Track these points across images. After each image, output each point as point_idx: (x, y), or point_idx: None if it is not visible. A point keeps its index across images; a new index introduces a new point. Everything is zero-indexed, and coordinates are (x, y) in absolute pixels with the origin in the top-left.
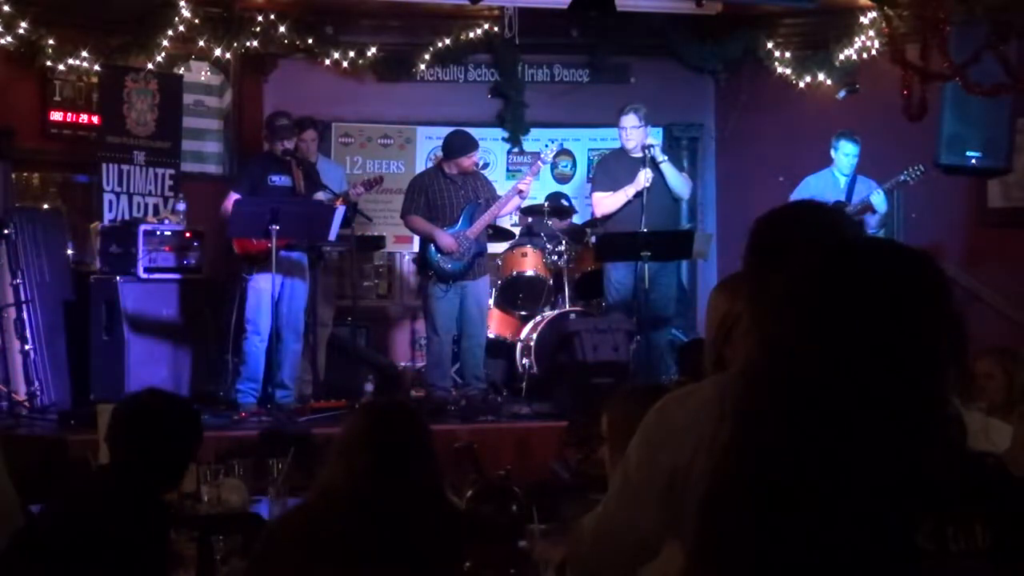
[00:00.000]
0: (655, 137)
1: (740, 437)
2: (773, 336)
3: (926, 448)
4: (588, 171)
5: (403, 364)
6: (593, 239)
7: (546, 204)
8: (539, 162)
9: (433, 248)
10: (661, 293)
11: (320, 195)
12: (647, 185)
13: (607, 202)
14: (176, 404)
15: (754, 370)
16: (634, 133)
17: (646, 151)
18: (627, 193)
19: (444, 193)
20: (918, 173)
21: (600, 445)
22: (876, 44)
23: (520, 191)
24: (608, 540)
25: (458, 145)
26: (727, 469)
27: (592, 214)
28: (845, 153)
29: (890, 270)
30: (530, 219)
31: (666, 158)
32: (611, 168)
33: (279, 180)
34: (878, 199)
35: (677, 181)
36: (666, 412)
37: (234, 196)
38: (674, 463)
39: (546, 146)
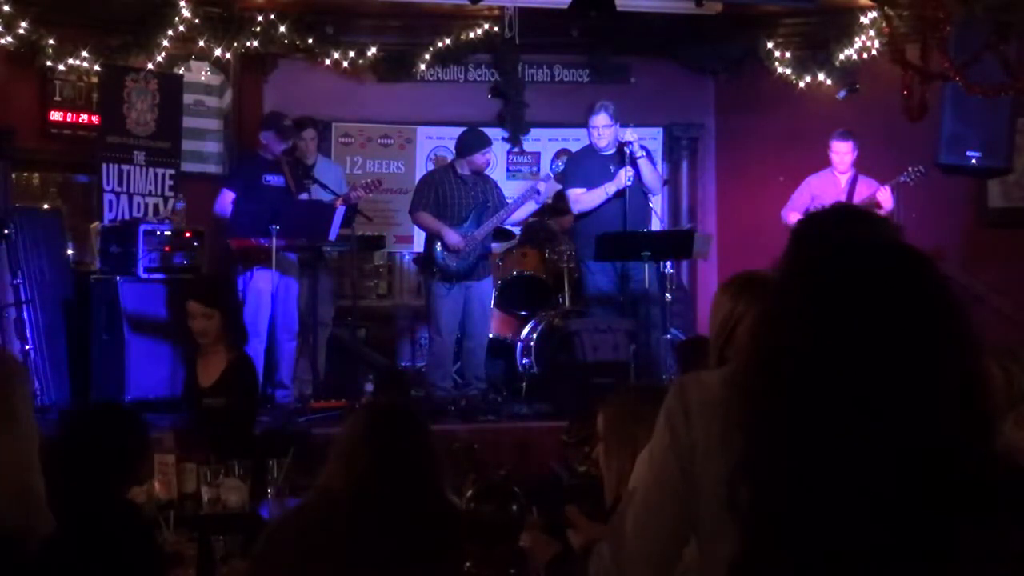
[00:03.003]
0: (632, 133)
1: (745, 452)
2: (772, 337)
3: (932, 448)
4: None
5: (403, 364)
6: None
7: (546, 204)
8: (550, 171)
9: (439, 246)
10: (640, 275)
11: (314, 193)
12: (628, 184)
13: (584, 199)
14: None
15: (754, 370)
16: (605, 132)
17: (625, 148)
18: (606, 191)
19: (454, 193)
20: (919, 174)
21: (598, 444)
22: (876, 44)
23: (537, 192)
24: (647, 540)
25: (471, 142)
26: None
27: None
28: (836, 152)
29: (890, 268)
30: (530, 219)
31: (644, 154)
32: (584, 165)
33: (273, 180)
34: (884, 196)
35: (652, 177)
36: (685, 391)
37: (229, 194)
38: (694, 438)
39: (552, 160)
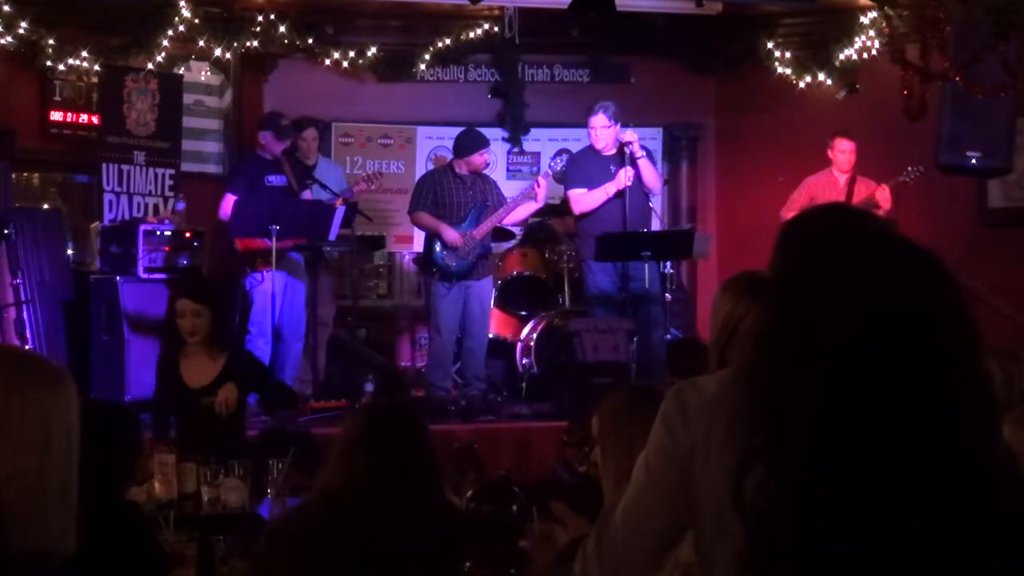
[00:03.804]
0: (632, 133)
1: (762, 444)
2: (770, 336)
3: (947, 444)
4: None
5: (403, 364)
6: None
7: (548, 203)
8: (549, 169)
9: (438, 246)
10: (641, 275)
11: (314, 193)
12: (628, 184)
13: (585, 199)
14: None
15: (774, 366)
16: (604, 132)
17: (625, 148)
18: (607, 191)
19: (453, 192)
20: (918, 174)
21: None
22: (876, 44)
23: (536, 191)
24: (634, 536)
25: (469, 142)
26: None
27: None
28: (840, 150)
29: (910, 262)
30: (530, 219)
31: (644, 154)
32: (584, 166)
33: (275, 180)
34: (883, 195)
35: (652, 177)
36: (681, 395)
37: (231, 198)
38: (692, 440)
39: (552, 158)
